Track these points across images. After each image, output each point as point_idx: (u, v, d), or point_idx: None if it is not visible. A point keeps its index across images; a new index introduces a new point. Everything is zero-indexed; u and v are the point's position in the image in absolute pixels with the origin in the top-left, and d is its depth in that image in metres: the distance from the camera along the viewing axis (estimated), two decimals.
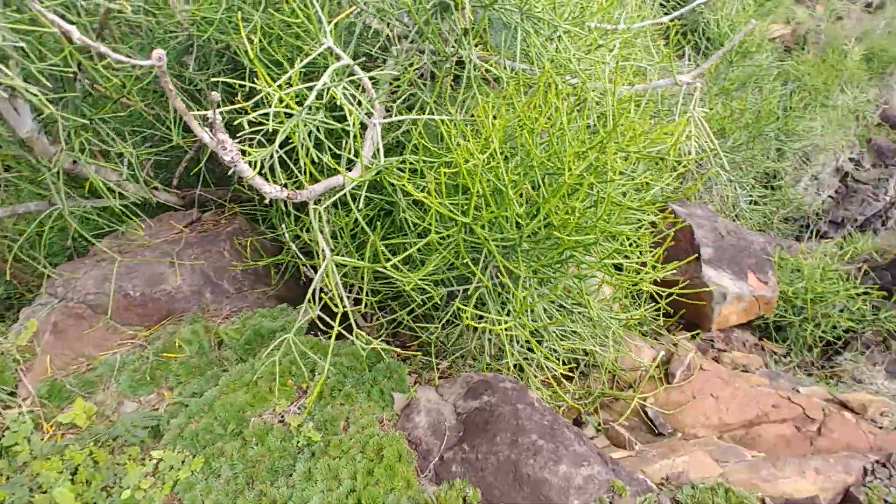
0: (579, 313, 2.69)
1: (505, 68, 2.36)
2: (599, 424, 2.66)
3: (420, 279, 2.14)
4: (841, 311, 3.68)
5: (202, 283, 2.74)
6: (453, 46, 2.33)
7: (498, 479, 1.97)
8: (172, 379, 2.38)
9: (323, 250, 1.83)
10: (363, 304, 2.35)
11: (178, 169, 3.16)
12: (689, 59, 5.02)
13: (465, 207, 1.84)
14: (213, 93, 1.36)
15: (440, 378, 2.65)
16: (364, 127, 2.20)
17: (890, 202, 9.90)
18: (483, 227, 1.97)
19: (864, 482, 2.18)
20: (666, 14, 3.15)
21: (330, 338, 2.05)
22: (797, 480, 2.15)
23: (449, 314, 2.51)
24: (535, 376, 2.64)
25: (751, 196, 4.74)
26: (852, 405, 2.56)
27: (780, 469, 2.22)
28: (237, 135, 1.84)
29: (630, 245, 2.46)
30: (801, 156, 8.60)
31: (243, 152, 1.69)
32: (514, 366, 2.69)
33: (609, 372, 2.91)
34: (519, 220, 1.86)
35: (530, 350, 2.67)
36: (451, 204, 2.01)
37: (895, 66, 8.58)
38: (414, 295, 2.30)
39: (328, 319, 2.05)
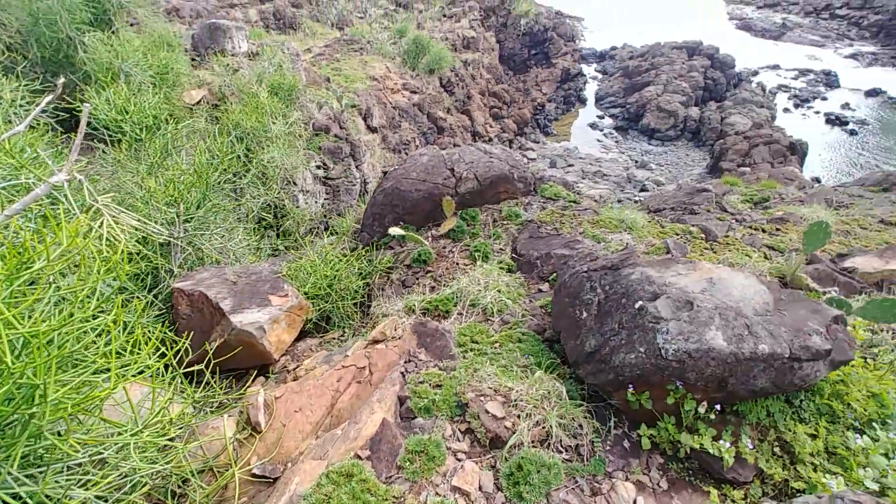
0: (120, 451, 2.32)
1: None
2: None
3: None
4: (354, 276, 4.50)
5: None
6: None
7: None
8: None
9: None
10: None
11: None
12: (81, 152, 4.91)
13: None
14: None
15: None
16: None
17: (362, 182, 12.70)
18: None
19: (405, 381, 2.76)
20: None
21: None
22: (372, 417, 2.52)
23: None
24: None
25: (245, 237, 5.17)
26: (378, 338, 3.19)
27: (359, 421, 2.55)
28: None
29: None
30: (286, 181, 9.98)
31: None
32: None
33: (203, 472, 2.68)
34: None
35: None
36: None
37: (295, 92, 10.81)
38: None
39: None
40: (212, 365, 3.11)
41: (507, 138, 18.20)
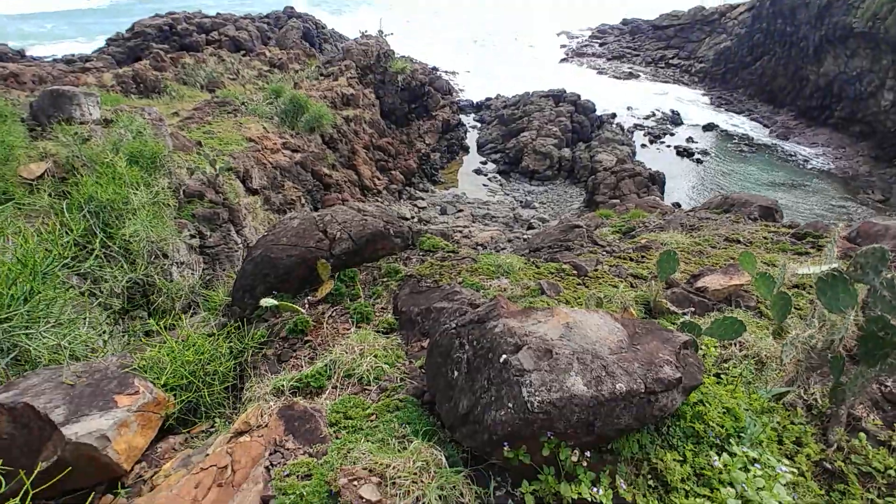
0: None
1: None
2: None
3: None
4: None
5: None
6: None
7: None
8: None
9: None
10: None
11: None
12: None
13: None
14: None
15: None
16: None
17: (245, 247, 11.99)
18: None
19: (271, 476, 2.49)
20: None
21: None
22: None
23: None
24: None
25: (95, 327, 4.57)
26: (242, 429, 2.88)
27: None
28: None
29: None
30: (154, 254, 9.13)
31: None
32: None
33: None
34: None
35: None
36: None
37: (160, 158, 10.06)
38: None
39: None
40: (30, 495, 2.60)
41: (395, 189, 18.42)
